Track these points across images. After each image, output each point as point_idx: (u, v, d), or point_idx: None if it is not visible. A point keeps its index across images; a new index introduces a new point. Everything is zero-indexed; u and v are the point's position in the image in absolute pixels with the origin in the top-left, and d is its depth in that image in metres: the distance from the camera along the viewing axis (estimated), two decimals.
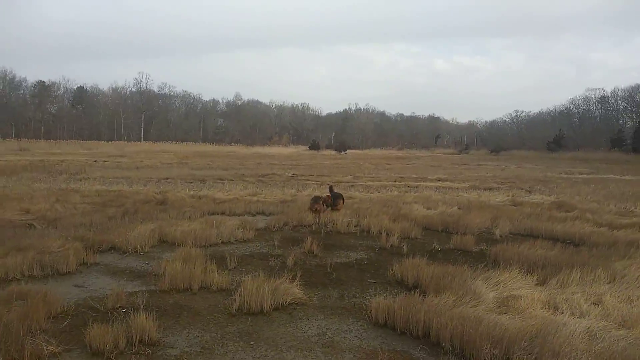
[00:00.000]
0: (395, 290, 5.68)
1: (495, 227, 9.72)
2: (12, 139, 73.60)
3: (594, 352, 3.79)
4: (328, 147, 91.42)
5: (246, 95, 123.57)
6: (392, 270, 6.37)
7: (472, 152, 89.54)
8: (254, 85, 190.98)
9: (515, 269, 6.01)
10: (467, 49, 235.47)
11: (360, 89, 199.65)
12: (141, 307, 4.50)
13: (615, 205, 13.73)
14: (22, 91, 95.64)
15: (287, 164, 39.47)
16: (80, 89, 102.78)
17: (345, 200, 11.27)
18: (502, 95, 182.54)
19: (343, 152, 79.44)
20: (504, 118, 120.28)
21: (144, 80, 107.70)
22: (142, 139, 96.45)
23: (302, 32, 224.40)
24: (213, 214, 11.03)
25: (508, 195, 16.28)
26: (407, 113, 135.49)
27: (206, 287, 5.60)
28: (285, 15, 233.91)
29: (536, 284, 5.70)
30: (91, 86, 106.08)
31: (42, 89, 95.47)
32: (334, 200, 10.68)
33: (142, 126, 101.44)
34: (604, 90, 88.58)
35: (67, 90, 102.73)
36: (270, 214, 11.29)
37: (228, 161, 41.82)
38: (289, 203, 12.91)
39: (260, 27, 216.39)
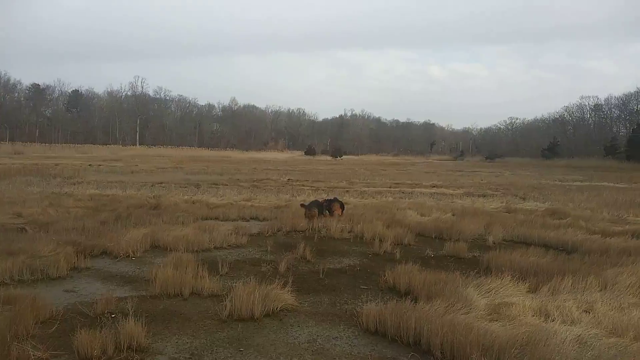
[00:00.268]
0: (387, 297, 5.65)
1: (488, 233, 9.74)
2: (7, 143, 73.24)
3: None
4: (324, 152, 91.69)
5: (242, 100, 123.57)
6: (384, 276, 6.34)
7: (467, 159, 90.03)
8: (250, 90, 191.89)
9: (508, 276, 6.00)
10: (462, 56, 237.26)
11: (356, 95, 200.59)
12: (130, 313, 4.47)
13: (609, 213, 13.77)
14: (16, 94, 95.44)
15: (282, 169, 39.46)
16: (76, 92, 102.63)
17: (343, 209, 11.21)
18: (497, 102, 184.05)
19: (339, 158, 79.56)
20: (498, 125, 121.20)
21: (139, 84, 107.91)
22: (137, 143, 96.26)
23: (299, 37, 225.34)
24: (206, 219, 11.00)
25: (502, 202, 16.31)
26: (402, 119, 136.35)
27: (197, 292, 5.57)
28: (282, 21, 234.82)
29: (528, 292, 5.69)
30: (86, 90, 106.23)
31: (37, 92, 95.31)
32: (329, 206, 10.65)
33: (138, 130, 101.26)
34: (597, 99, 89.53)
35: (62, 93, 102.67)
36: (264, 219, 11.26)
37: (223, 166, 41.78)
38: (283, 208, 12.88)
39: (258, 33, 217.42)
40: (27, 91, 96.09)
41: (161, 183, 21.77)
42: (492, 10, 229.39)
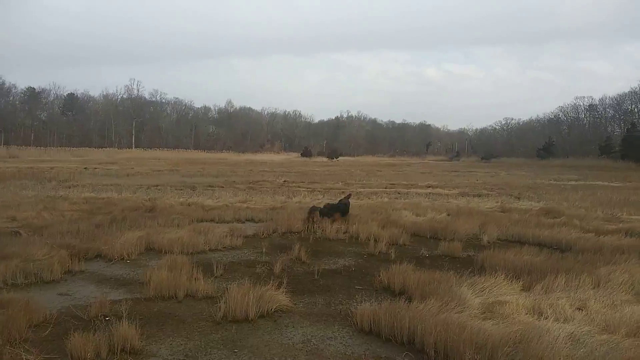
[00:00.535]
0: (382, 297, 5.67)
1: (483, 233, 9.77)
2: (1, 146, 72.94)
3: (577, 357, 3.82)
4: (320, 154, 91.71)
5: (238, 103, 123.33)
6: (379, 276, 6.36)
7: (463, 159, 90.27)
8: (246, 93, 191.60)
9: (502, 275, 6.02)
10: (457, 57, 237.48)
11: (352, 97, 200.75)
12: (124, 315, 4.47)
13: (603, 212, 13.84)
14: (11, 97, 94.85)
15: (278, 170, 39.45)
16: (71, 95, 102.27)
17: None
18: (492, 103, 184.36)
19: (335, 159, 79.60)
20: (494, 125, 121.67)
21: (135, 86, 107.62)
22: (133, 146, 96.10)
23: (294, 39, 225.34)
24: (202, 221, 10.98)
25: (497, 202, 16.36)
26: (398, 120, 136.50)
27: (192, 295, 5.56)
28: (278, 23, 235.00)
29: (521, 290, 5.72)
30: (82, 93, 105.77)
31: (32, 95, 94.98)
32: (330, 211, 10.46)
33: (133, 133, 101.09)
34: (592, 99, 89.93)
35: (57, 96, 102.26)
36: (259, 220, 11.26)
37: (219, 168, 41.72)
38: (278, 210, 12.87)
39: (253, 35, 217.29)
40: (22, 95, 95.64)
41: (157, 186, 21.71)
42: (487, 12, 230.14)
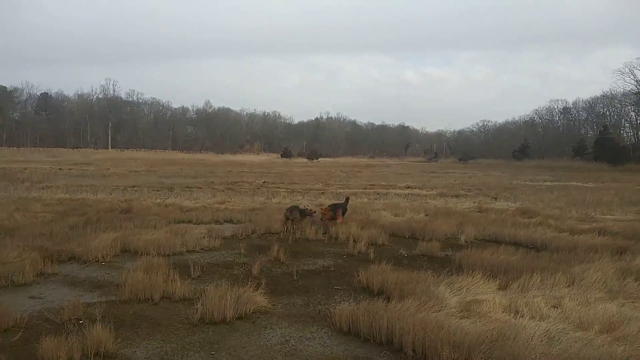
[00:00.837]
0: (361, 297, 5.67)
1: (460, 233, 9.87)
2: None
3: (552, 354, 3.86)
4: (300, 155, 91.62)
5: (217, 103, 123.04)
6: (358, 277, 6.35)
7: (441, 161, 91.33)
8: (224, 93, 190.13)
9: (479, 274, 6.09)
10: (435, 60, 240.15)
11: (332, 98, 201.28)
12: (98, 319, 4.37)
13: (577, 212, 14.14)
14: None
15: (257, 171, 39.26)
16: (45, 95, 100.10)
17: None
18: (469, 105, 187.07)
19: (315, 160, 79.60)
20: (471, 127, 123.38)
21: (111, 86, 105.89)
22: (110, 147, 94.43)
23: (274, 40, 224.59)
24: (179, 222, 10.85)
25: (474, 202, 16.56)
26: (377, 122, 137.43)
27: (168, 296, 5.47)
28: (258, 23, 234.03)
29: (498, 289, 5.79)
30: (56, 92, 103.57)
31: (4, 94, 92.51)
32: (334, 211, 10.25)
33: (110, 133, 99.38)
34: (566, 102, 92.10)
35: (30, 96, 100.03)
36: (238, 222, 11.16)
37: (197, 169, 41.31)
38: (257, 211, 12.79)
39: (232, 35, 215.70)
40: None
41: (134, 187, 21.37)
42: (465, 17, 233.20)
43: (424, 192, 21.73)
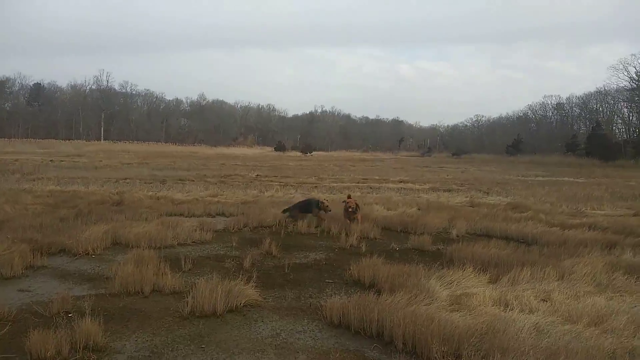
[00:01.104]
0: (352, 290, 5.67)
1: (452, 227, 9.89)
2: None
3: (541, 347, 3.89)
4: (294, 148, 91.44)
5: (211, 96, 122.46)
6: (349, 270, 6.35)
7: (435, 155, 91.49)
8: (219, 86, 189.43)
9: (469, 267, 6.12)
10: (430, 54, 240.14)
11: (326, 92, 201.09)
12: (88, 312, 4.34)
13: (567, 206, 14.24)
14: None
15: (251, 165, 39.17)
16: (37, 85, 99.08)
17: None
18: (464, 100, 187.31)
19: (309, 154, 79.46)
20: (465, 122, 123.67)
21: (104, 78, 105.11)
22: (102, 139, 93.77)
23: (269, 33, 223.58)
24: (171, 215, 10.79)
25: (466, 197, 16.64)
26: (371, 116, 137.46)
27: (159, 290, 5.44)
28: (253, 16, 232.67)
29: (489, 282, 5.82)
30: (48, 83, 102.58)
31: None
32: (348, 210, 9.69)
33: (102, 125, 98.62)
34: (559, 97, 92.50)
35: (22, 86, 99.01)
36: (230, 215, 11.13)
37: (190, 162, 41.14)
38: (250, 204, 12.77)
39: (227, 28, 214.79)
40: None
41: (126, 179, 21.27)
42: (460, 11, 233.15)
43: (417, 186, 21.80)
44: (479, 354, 3.77)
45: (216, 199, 13.88)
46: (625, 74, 69.41)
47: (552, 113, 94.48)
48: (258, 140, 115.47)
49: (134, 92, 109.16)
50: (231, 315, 4.81)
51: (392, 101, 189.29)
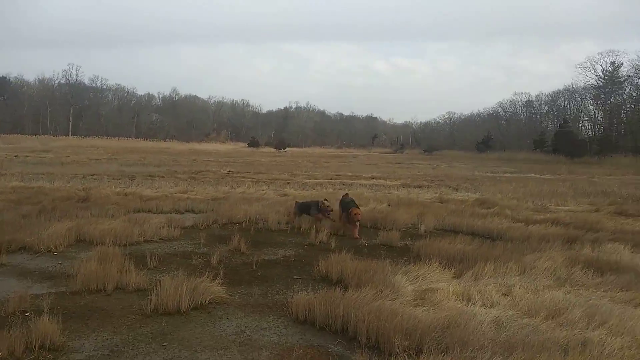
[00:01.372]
0: (319, 286, 5.68)
1: (420, 223, 10.02)
2: None
3: (499, 340, 3.98)
4: (268, 144, 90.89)
5: (184, 91, 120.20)
6: (318, 266, 6.37)
7: (407, 152, 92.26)
8: (192, 81, 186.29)
9: (435, 263, 6.22)
10: (404, 51, 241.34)
11: (301, 88, 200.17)
12: (46, 310, 4.24)
13: (533, 202, 14.59)
14: None
15: (223, 160, 38.79)
16: (3, 79, 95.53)
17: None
18: (436, 97, 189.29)
19: (283, 150, 79.13)
20: (437, 119, 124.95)
21: (74, 72, 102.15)
22: (70, 134, 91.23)
23: (244, 28, 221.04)
24: (139, 211, 10.60)
25: (436, 193, 16.88)
26: (346, 112, 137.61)
27: (122, 287, 5.35)
28: (227, 10, 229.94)
29: (453, 277, 5.92)
30: (15, 77, 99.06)
31: None
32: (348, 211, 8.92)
33: (71, 120, 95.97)
34: (529, 95, 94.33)
35: None
36: (199, 211, 11.00)
37: (161, 157, 40.46)
38: (220, 200, 12.65)
39: (201, 22, 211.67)
40: None
41: (93, 175, 20.78)
42: (434, 9, 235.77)
43: (388, 182, 22.00)
44: (440, 348, 3.84)
45: (186, 195, 13.70)
46: (592, 72, 71.58)
47: (522, 110, 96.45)
48: (231, 136, 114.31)
49: (104, 87, 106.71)
50: (196, 312, 4.77)
51: (366, 97, 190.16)
